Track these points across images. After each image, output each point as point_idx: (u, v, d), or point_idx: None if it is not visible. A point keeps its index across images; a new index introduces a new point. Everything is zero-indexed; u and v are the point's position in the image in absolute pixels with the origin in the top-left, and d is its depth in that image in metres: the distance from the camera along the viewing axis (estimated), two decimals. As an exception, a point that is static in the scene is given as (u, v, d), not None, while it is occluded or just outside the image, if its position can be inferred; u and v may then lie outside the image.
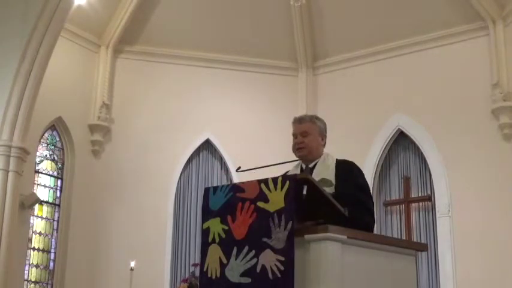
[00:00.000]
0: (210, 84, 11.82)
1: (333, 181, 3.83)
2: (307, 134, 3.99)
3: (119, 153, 11.33)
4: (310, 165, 3.99)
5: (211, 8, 11.55)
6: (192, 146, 11.69)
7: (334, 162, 3.97)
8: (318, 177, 3.84)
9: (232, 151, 11.57)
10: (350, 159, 4.06)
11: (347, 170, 3.91)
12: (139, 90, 11.66)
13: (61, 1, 9.21)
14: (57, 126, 10.96)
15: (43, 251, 10.56)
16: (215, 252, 3.37)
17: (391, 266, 3.46)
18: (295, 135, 4.05)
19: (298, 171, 4.00)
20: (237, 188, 3.42)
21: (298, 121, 4.07)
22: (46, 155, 10.87)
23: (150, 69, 11.75)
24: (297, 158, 4.10)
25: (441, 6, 10.73)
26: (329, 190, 3.76)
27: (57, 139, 11.05)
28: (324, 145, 4.09)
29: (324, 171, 3.90)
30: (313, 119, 4.07)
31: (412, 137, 10.92)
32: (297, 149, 4.02)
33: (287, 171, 4.11)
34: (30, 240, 10.36)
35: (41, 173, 10.74)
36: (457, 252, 9.98)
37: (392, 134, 11.08)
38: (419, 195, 10.76)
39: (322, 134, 4.06)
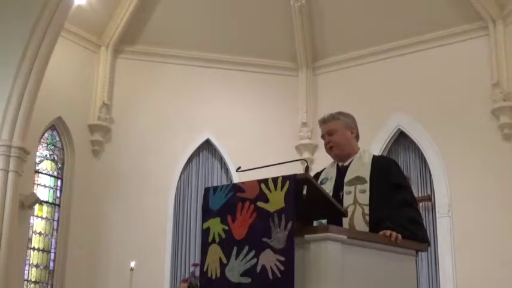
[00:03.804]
0: (210, 84, 11.81)
1: (367, 178, 3.80)
2: (334, 132, 3.96)
3: (119, 153, 11.32)
4: (346, 163, 3.97)
5: (211, 8, 11.55)
6: (192, 146, 11.69)
7: (371, 158, 3.93)
8: (352, 174, 3.85)
9: (232, 151, 11.57)
10: None
11: (384, 168, 3.87)
12: (139, 90, 11.66)
13: (61, 1, 9.20)
14: (57, 126, 10.96)
15: (43, 251, 10.55)
16: (215, 252, 3.37)
17: (391, 266, 3.46)
18: (323, 136, 4.04)
19: (334, 170, 4.01)
20: (237, 188, 3.42)
21: (322, 122, 4.05)
22: (46, 155, 10.86)
23: (150, 69, 11.75)
24: (298, 157, 4.10)
25: (441, 6, 10.72)
26: (362, 187, 3.76)
27: (57, 139, 11.05)
28: (357, 137, 4.04)
29: (359, 169, 3.87)
30: (336, 116, 4.03)
31: (412, 137, 10.92)
32: (328, 148, 4.01)
33: (321, 171, 4.10)
34: (30, 240, 10.35)
35: (41, 173, 10.74)
36: (457, 252, 9.98)
37: (392, 134, 11.08)
38: (419, 195, 10.73)
39: (350, 127, 4.01)
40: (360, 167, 3.89)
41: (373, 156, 3.98)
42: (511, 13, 10.20)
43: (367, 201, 3.75)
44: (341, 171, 3.96)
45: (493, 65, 10.22)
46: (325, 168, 4.12)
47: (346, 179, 3.88)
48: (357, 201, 3.76)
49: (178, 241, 11.31)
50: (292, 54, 11.97)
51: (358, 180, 3.80)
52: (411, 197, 3.90)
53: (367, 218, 3.70)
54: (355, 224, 3.71)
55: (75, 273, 10.55)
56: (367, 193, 3.77)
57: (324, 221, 3.74)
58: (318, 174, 4.09)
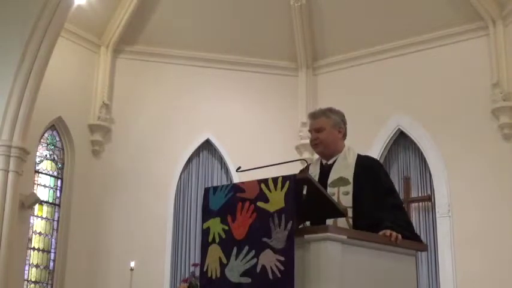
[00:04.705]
0: (210, 84, 11.81)
1: (350, 180, 3.77)
2: (322, 130, 3.92)
3: (119, 153, 11.32)
4: (330, 162, 3.93)
5: (211, 8, 11.55)
6: (192, 146, 11.69)
7: (355, 158, 3.89)
8: (336, 175, 3.81)
9: (232, 151, 11.57)
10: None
11: (369, 170, 3.84)
12: (139, 90, 11.65)
13: (61, 1, 9.21)
14: (57, 126, 10.96)
15: (43, 251, 10.55)
16: (215, 252, 3.37)
17: (391, 266, 3.46)
18: (310, 131, 4.00)
19: (318, 168, 3.97)
20: (237, 188, 3.41)
21: (312, 117, 4.01)
22: (46, 155, 10.86)
23: (150, 69, 11.75)
24: (299, 157, 4.07)
25: (441, 6, 10.72)
26: (346, 189, 3.74)
27: (57, 139, 11.04)
28: (344, 136, 3.99)
29: (343, 169, 3.83)
30: (327, 113, 3.98)
31: (412, 137, 10.92)
32: (313, 145, 3.97)
33: (308, 165, 4.05)
34: (30, 240, 10.35)
35: (41, 173, 10.74)
36: (457, 252, 9.98)
37: (392, 134, 11.08)
38: (419, 195, 10.75)
39: (339, 127, 3.96)
40: (344, 167, 3.85)
41: (358, 155, 3.93)
42: (511, 13, 10.19)
43: (350, 203, 3.72)
44: (324, 171, 3.92)
45: (493, 65, 10.22)
46: (310, 164, 4.06)
47: (329, 180, 3.84)
48: (340, 203, 3.72)
49: (178, 241, 11.31)
50: (292, 54, 11.97)
51: (342, 181, 3.77)
52: (400, 201, 3.94)
53: (351, 221, 3.67)
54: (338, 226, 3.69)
55: (75, 273, 10.55)
56: (350, 195, 3.74)
57: (307, 223, 3.72)
58: (302, 171, 4.06)
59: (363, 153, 4.02)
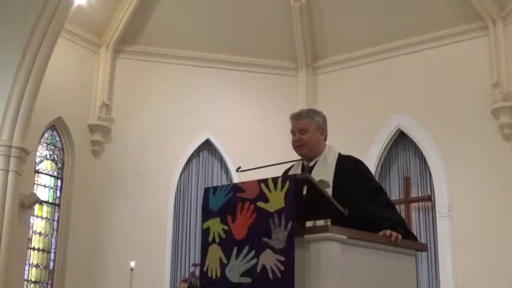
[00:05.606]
0: (210, 84, 11.82)
1: (330, 182, 3.74)
2: (305, 131, 3.89)
3: (119, 153, 11.33)
4: (311, 164, 3.91)
5: (211, 8, 11.55)
6: (192, 146, 11.69)
7: (335, 159, 3.87)
8: (316, 177, 3.75)
9: (232, 151, 11.57)
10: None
11: (352, 170, 3.83)
12: (139, 90, 11.66)
13: (61, 1, 9.21)
14: (57, 126, 10.96)
15: (43, 251, 10.56)
16: (215, 252, 3.37)
17: (391, 266, 3.46)
18: (293, 133, 3.96)
19: (299, 170, 3.95)
20: (237, 188, 3.41)
21: (296, 117, 3.95)
22: (46, 155, 10.86)
23: (150, 69, 11.75)
24: (298, 157, 4.03)
25: (441, 6, 10.73)
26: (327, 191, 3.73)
27: (57, 139, 11.05)
28: (325, 139, 3.97)
29: (323, 171, 3.81)
30: (311, 114, 3.96)
31: (412, 137, 10.91)
32: (297, 146, 3.94)
33: (289, 168, 4.04)
34: (30, 240, 10.36)
35: (41, 173, 10.74)
36: (457, 252, 9.98)
37: (392, 134, 11.08)
38: (419, 195, 10.75)
39: (321, 129, 3.94)
40: (323, 169, 3.82)
41: (339, 155, 3.91)
42: (511, 13, 10.20)
43: None
44: None
45: (493, 65, 10.22)
46: (293, 166, 4.05)
47: None
48: None
49: (178, 241, 11.31)
50: (292, 54, 11.97)
51: (322, 184, 3.72)
52: (390, 200, 3.94)
53: (329, 223, 3.64)
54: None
55: (75, 273, 10.55)
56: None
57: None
58: (286, 171, 4.04)
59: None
